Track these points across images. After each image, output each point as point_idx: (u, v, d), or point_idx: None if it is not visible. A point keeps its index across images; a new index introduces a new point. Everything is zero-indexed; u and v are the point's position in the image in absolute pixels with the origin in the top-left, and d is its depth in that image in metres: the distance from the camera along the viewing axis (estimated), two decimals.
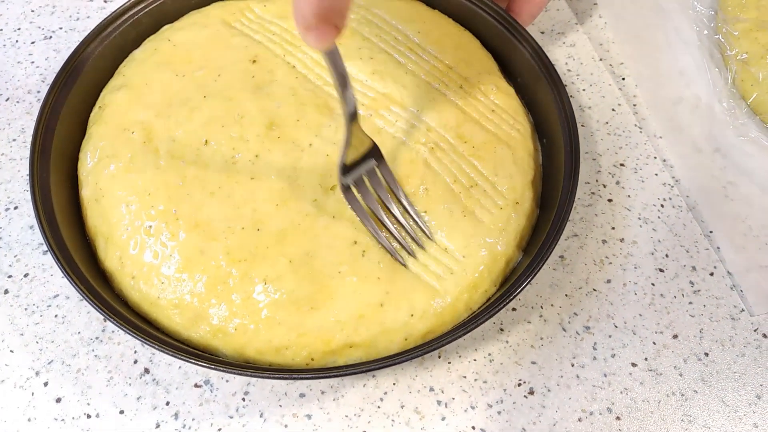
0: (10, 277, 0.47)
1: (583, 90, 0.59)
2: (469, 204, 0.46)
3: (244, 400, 0.43)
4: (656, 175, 0.54)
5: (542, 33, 0.63)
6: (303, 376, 0.38)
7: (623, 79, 0.60)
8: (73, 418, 0.42)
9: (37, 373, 0.44)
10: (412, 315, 0.42)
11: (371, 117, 0.48)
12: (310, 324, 0.41)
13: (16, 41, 0.60)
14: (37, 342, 0.45)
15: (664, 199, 0.53)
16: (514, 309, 0.47)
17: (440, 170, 0.46)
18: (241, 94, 0.48)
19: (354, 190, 0.44)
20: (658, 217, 0.52)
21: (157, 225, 0.43)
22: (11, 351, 0.44)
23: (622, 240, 0.51)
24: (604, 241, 0.51)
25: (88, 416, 0.42)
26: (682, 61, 0.60)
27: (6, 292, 0.47)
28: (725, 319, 0.47)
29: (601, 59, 0.61)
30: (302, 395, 0.43)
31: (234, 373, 0.38)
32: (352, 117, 0.40)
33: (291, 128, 0.47)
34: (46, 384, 0.43)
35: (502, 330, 0.46)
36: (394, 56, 0.51)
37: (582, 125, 0.57)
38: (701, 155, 0.55)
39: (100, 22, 0.51)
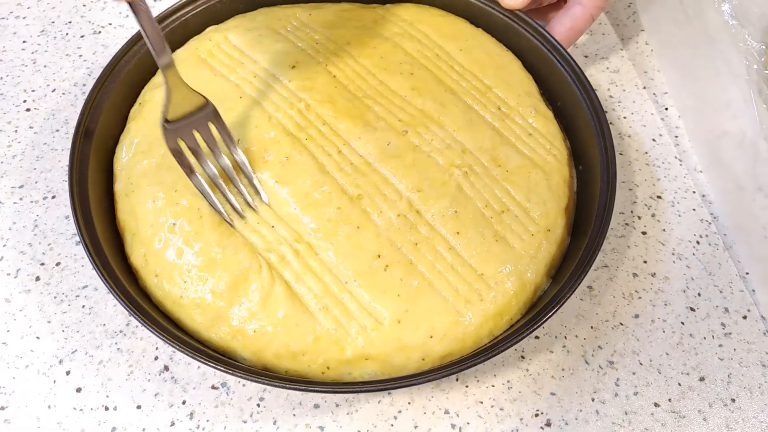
0: (42, 264, 0.48)
1: (624, 118, 0.58)
2: (501, 229, 0.45)
3: (258, 405, 0.43)
4: (694, 210, 0.53)
5: (586, 57, 0.62)
6: (316, 388, 0.38)
7: (666, 109, 0.59)
8: (91, 408, 0.43)
9: (60, 362, 0.44)
10: (431, 336, 0.41)
11: (407, 134, 0.48)
12: (324, 328, 0.41)
13: (66, 34, 0.61)
14: (63, 331, 0.46)
15: (701, 236, 0.52)
16: (537, 337, 0.46)
17: (472, 194, 0.46)
18: (276, 97, 0.48)
19: (185, 149, 0.43)
20: (693, 254, 0.51)
21: (181, 223, 0.43)
22: (38, 337, 0.45)
23: (653, 275, 0.50)
24: (635, 275, 0.50)
25: (106, 408, 0.43)
26: (728, 95, 0.59)
27: (37, 279, 0.48)
28: (755, 366, 0.46)
29: (644, 87, 0.60)
30: (317, 406, 0.43)
31: (248, 379, 0.38)
32: (165, 67, 0.40)
33: (321, 135, 0.47)
34: (68, 373, 0.44)
35: (523, 357, 0.46)
36: (434, 73, 0.51)
37: (620, 153, 0.56)
38: (743, 193, 0.54)
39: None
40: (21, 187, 0.52)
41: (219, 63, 0.51)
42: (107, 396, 0.43)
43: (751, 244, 0.51)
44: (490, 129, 0.49)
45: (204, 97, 0.43)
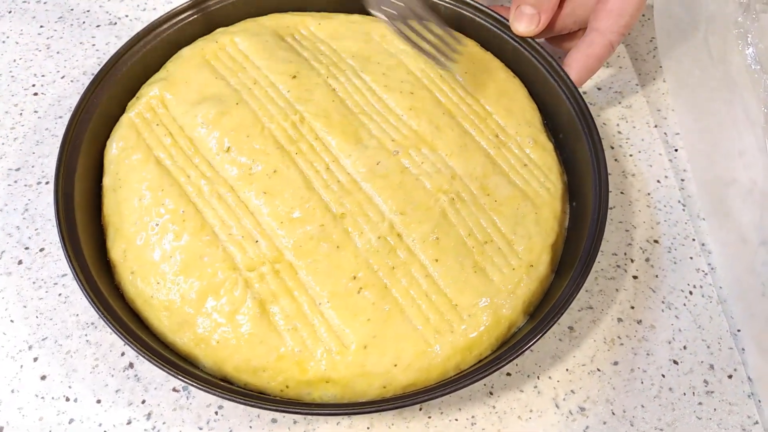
0: (27, 249, 0.49)
1: (631, 155, 0.56)
2: (481, 260, 0.44)
3: (217, 413, 0.43)
4: (691, 258, 0.51)
5: (599, 89, 0.60)
6: (270, 406, 0.38)
7: (676, 150, 0.57)
8: (52, 397, 0.43)
9: (30, 347, 0.45)
10: (395, 365, 0.40)
11: (398, 155, 0.47)
12: (289, 348, 0.40)
13: (83, 22, 0.62)
14: (37, 317, 0.46)
15: (694, 286, 0.50)
16: (508, 374, 0.45)
17: (456, 222, 0.45)
18: (273, 107, 0.48)
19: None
20: (684, 305, 0.49)
21: (164, 223, 0.43)
22: (12, 321, 0.46)
23: (639, 322, 0.48)
24: (619, 320, 0.48)
25: (67, 399, 0.43)
26: (743, 142, 0.57)
27: (20, 262, 0.48)
28: (735, 429, 0.44)
29: (656, 126, 0.58)
30: (274, 420, 0.43)
31: (201, 390, 0.38)
32: None
33: (312, 150, 0.47)
34: (35, 359, 0.44)
35: (491, 394, 0.44)
36: (434, 94, 0.50)
37: (621, 192, 0.54)
38: (745, 246, 0.52)
39: (159, 17, 0.52)
40: (17, 169, 0.53)
41: (222, 66, 0.51)
42: (70, 387, 0.43)
43: (747, 301, 0.49)
44: (484, 156, 0.48)
45: None
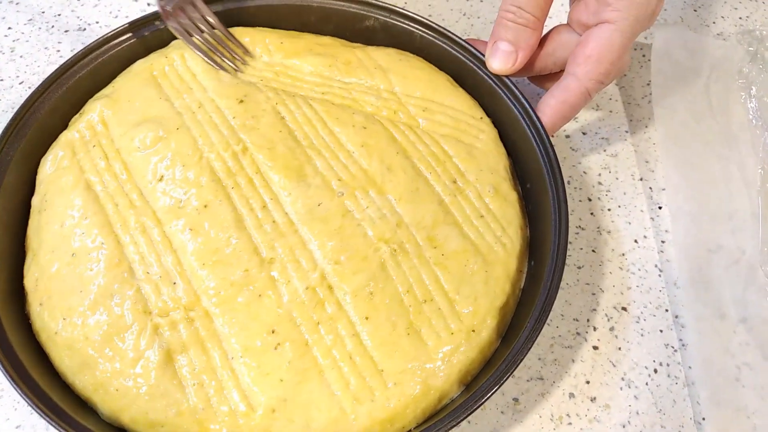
0: None
1: (609, 210, 0.52)
2: (417, 321, 0.40)
3: None
4: (661, 331, 0.46)
5: (584, 134, 0.56)
6: None
7: (660, 208, 0.52)
8: None
9: None
10: None
11: (342, 196, 0.43)
12: (191, 404, 0.37)
13: (52, 26, 0.60)
14: None
15: (660, 364, 0.45)
16: None
17: (395, 276, 0.41)
18: (215, 134, 0.45)
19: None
20: (646, 384, 0.44)
21: (80, 254, 0.41)
22: None
23: (593, 399, 0.44)
24: (572, 395, 0.44)
25: None
26: (735, 203, 0.52)
27: None
28: None
29: (641, 179, 0.54)
30: None
31: None
32: None
33: (250, 184, 0.43)
34: None
35: None
36: (389, 131, 0.47)
37: (593, 250, 0.50)
38: (723, 322, 0.47)
39: (115, 29, 0.50)
40: None
41: (168, 85, 0.48)
42: None
43: (717, 386, 0.44)
44: (437, 203, 0.44)
45: None
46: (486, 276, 0.42)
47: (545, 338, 0.46)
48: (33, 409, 0.36)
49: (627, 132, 0.56)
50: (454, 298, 0.41)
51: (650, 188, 0.53)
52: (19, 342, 0.39)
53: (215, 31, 0.49)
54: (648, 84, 0.59)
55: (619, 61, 0.45)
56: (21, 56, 0.58)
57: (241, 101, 0.47)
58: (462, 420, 0.37)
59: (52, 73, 0.47)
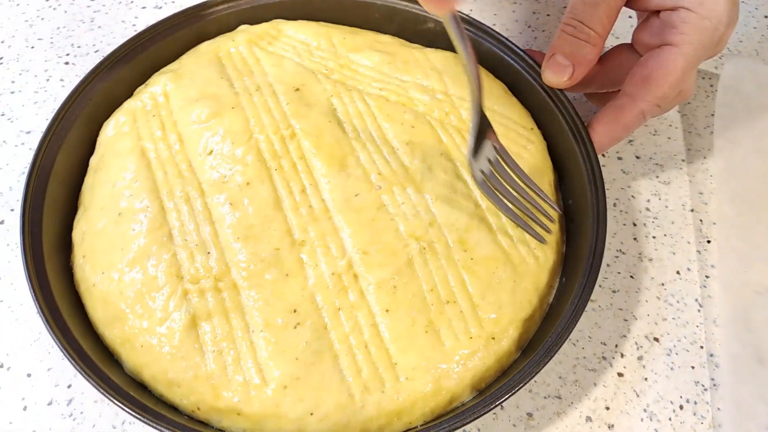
0: (11, 210, 0.50)
1: (654, 238, 0.50)
2: (437, 321, 0.40)
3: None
4: (692, 368, 0.45)
5: (637, 157, 0.55)
6: (170, 429, 0.36)
7: (708, 242, 0.50)
8: None
9: None
10: (311, 413, 0.37)
11: (380, 190, 0.44)
12: (208, 370, 0.38)
13: (131, 2, 0.63)
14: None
15: (687, 401, 0.43)
16: None
17: (421, 273, 0.41)
18: (267, 117, 0.47)
19: (486, 179, 0.43)
20: (670, 419, 0.43)
21: (126, 214, 0.43)
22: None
23: (610, 426, 0.42)
24: (588, 418, 0.43)
25: (0, 366, 0.43)
26: None
27: (2, 222, 0.49)
28: None
29: (692, 210, 0.52)
30: None
31: (115, 403, 0.36)
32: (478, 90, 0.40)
33: (293, 168, 0.44)
34: None
35: None
36: (437, 131, 0.47)
37: (631, 276, 0.48)
38: (761, 367, 0.45)
39: (185, 8, 0.52)
40: (28, 133, 0.54)
41: (231, 66, 0.50)
42: (7, 354, 0.43)
43: (746, 431, 0.42)
44: (473, 207, 0.44)
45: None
46: (514, 286, 0.42)
47: (569, 358, 0.45)
48: (63, 354, 0.38)
49: (683, 161, 0.54)
50: (478, 303, 0.41)
51: (701, 220, 0.51)
52: (60, 290, 0.41)
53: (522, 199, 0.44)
54: (712, 115, 0.57)
55: (678, 86, 0.44)
56: (99, 27, 0.61)
57: (298, 89, 0.48)
58: (469, 422, 0.37)
59: (123, 43, 0.50)
